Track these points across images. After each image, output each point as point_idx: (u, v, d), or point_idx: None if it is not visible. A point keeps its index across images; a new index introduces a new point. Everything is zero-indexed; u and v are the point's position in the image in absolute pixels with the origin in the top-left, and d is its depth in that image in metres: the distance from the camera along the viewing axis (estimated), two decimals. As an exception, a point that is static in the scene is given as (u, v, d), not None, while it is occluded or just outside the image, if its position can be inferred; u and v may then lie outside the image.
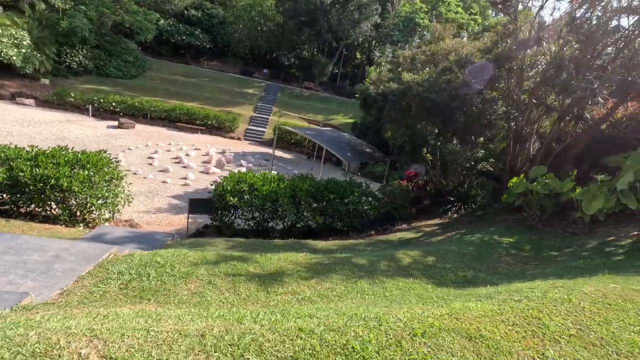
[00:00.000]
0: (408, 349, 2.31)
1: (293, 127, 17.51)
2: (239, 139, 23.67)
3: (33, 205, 7.07)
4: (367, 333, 2.41)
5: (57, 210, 7.00)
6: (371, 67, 17.47)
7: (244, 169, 15.35)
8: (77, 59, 25.03)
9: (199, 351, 2.00)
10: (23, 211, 7.17)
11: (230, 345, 2.09)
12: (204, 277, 4.20)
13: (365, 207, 9.70)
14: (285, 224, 8.80)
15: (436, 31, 13.58)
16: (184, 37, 34.17)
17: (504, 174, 11.50)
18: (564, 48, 8.83)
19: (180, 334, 2.15)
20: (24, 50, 21.47)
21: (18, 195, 6.77)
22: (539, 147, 11.31)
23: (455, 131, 10.20)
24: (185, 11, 35.66)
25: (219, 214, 7.91)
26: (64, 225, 6.87)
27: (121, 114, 22.04)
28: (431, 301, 3.60)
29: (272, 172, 15.44)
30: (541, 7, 8.97)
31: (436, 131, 10.75)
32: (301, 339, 2.26)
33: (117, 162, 8.11)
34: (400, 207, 10.84)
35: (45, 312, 2.56)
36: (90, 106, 21.69)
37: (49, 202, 6.98)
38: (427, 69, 11.21)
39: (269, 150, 20.55)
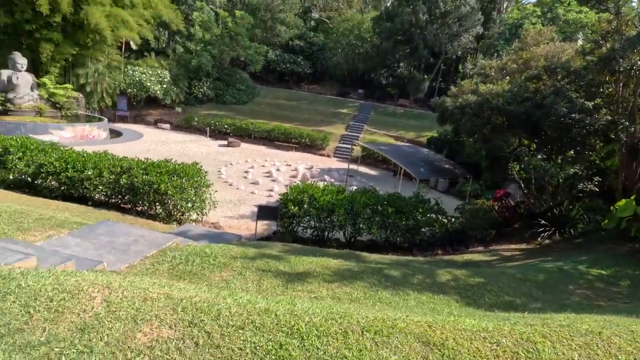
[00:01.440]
0: (350, 340, 2.41)
1: (368, 143, 17.69)
2: (328, 156, 24.85)
3: (145, 206, 9.00)
4: (321, 321, 2.59)
5: (158, 209, 8.76)
6: (463, 80, 16.60)
7: (324, 184, 16.11)
8: (202, 90, 30.13)
9: (169, 309, 2.52)
10: (139, 209, 9.15)
11: (196, 309, 2.56)
12: (237, 269, 4.83)
13: (433, 225, 9.30)
14: (346, 235, 9.06)
15: (527, 36, 12.26)
16: (288, 65, 37.91)
17: (618, 196, 9.58)
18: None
19: (167, 297, 2.72)
20: (165, 86, 26.95)
21: (135, 197, 8.72)
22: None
23: (543, 144, 9.00)
24: (290, 42, 39.60)
25: (284, 221, 8.67)
26: (161, 222, 8.53)
27: (231, 134, 25.54)
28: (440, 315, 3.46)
29: (351, 187, 15.84)
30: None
31: (517, 145, 9.65)
32: (258, 315, 2.59)
33: (206, 172, 9.65)
34: (477, 227, 9.98)
35: (100, 274, 3.46)
36: (208, 128, 25.77)
37: (155, 203, 8.78)
38: (508, 78, 10.24)
39: (355, 167, 21.08)
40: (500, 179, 11.81)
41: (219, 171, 16.53)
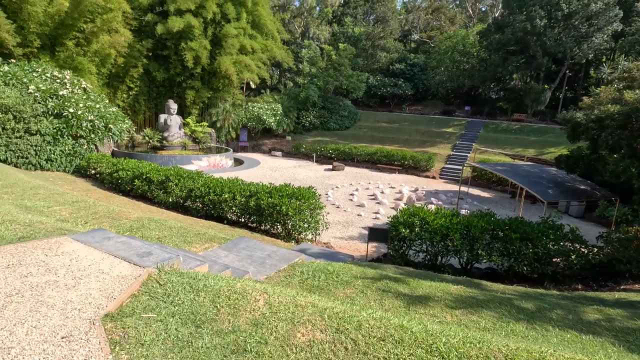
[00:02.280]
0: (494, 366, 2.37)
1: (479, 163, 16.28)
2: (434, 177, 23.90)
3: (269, 225, 10.14)
4: (459, 343, 2.62)
5: (279, 229, 9.75)
6: (598, 87, 14.31)
7: (432, 207, 15.55)
8: (309, 119, 32.57)
9: (317, 316, 2.88)
10: (263, 228, 10.34)
11: (339, 318, 2.87)
12: (359, 287, 5.09)
13: (568, 255, 8.12)
14: (461, 261, 8.57)
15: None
16: (388, 89, 38.33)
17: None
18: None
19: (313, 305, 3.11)
20: (278, 118, 30.01)
21: (260, 217, 9.91)
22: None
23: None
24: (390, 66, 40.14)
25: (394, 244, 8.68)
26: (282, 240, 9.45)
27: (335, 158, 26.81)
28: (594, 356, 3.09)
29: (463, 210, 14.91)
30: None
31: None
32: (395, 330, 2.76)
33: (319, 195, 10.39)
34: (631, 261, 8.31)
35: (253, 281, 4.11)
36: (315, 154, 27.56)
37: (276, 223, 9.81)
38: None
39: (464, 189, 19.79)
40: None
41: (327, 194, 17.45)
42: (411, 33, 47.76)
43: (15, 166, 13.12)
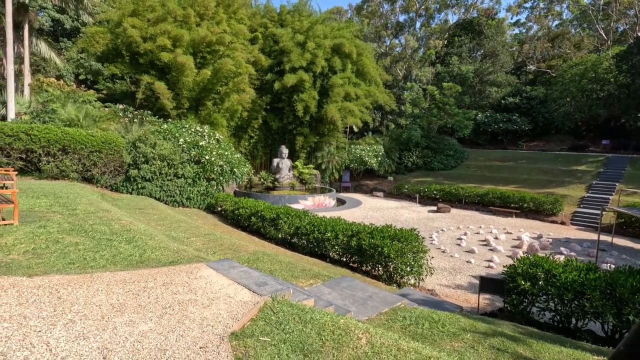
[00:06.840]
0: None
1: (627, 208, 13.17)
2: (562, 223, 20.50)
3: (369, 266, 10.11)
4: None
5: (381, 271, 9.62)
6: None
7: (562, 257, 13.30)
8: (411, 159, 32.09)
9: (421, 363, 2.80)
10: (364, 269, 10.35)
11: (445, 370, 2.73)
12: (468, 341, 4.66)
13: None
14: (605, 328, 7.01)
15: None
16: (500, 125, 35.45)
17: None
18: None
19: (416, 351, 3.03)
20: (379, 159, 30.41)
21: (361, 257, 9.99)
22: None
23: None
24: (503, 100, 37.32)
25: (512, 298, 7.65)
26: (384, 283, 9.27)
27: (440, 200, 25.47)
28: None
29: (605, 264, 12.36)
30: None
31: None
32: (511, 394, 2.48)
33: (423, 239, 9.99)
34: None
35: (356, 320, 4.20)
36: (418, 195, 26.71)
37: (377, 265, 9.73)
38: None
39: (607, 238, 16.44)
40: None
41: (431, 237, 16.56)
42: (526, 64, 44.03)
43: (165, 203, 16.20)
